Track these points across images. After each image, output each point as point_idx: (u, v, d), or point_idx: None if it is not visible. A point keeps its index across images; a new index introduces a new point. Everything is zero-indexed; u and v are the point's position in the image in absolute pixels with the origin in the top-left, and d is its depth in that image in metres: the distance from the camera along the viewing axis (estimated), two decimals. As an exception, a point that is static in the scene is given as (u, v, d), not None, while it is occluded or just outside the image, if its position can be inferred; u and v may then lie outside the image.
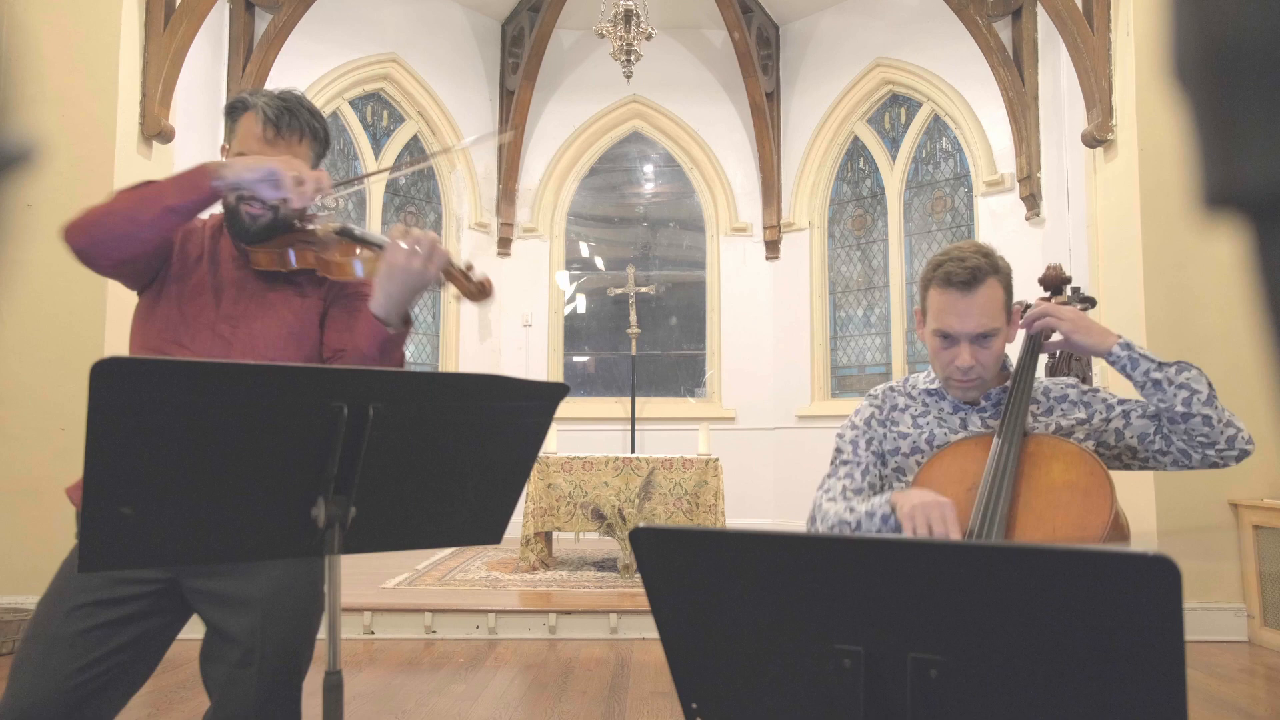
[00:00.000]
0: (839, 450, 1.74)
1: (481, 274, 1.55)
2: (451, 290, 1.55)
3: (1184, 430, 1.53)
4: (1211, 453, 1.53)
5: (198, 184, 1.44)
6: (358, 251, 1.53)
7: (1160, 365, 1.55)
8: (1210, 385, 1.53)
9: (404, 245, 1.41)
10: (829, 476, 1.71)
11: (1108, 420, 1.63)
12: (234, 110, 1.58)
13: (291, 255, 1.52)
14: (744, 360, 7.47)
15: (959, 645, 0.77)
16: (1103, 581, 0.71)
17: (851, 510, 1.57)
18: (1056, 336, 1.65)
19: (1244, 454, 1.54)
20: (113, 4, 4.18)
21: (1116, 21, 4.41)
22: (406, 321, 1.50)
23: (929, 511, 1.41)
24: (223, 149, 1.61)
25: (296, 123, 1.56)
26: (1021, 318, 1.73)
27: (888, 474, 1.71)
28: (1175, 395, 1.52)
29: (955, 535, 1.40)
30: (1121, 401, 1.64)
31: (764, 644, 0.87)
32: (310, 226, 1.58)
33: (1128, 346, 1.57)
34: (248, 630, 1.41)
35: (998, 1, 5.90)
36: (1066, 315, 1.62)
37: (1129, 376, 1.56)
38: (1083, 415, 1.64)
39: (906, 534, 1.43)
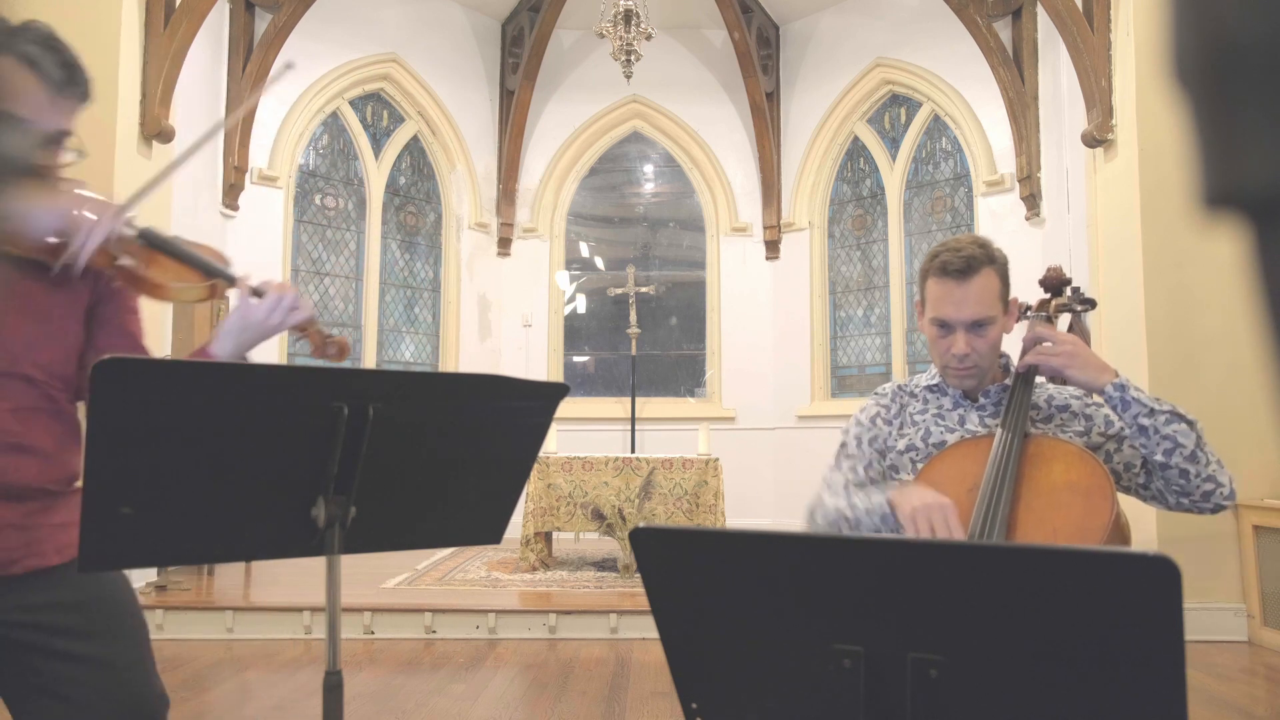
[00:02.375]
0: (843, 444, 1.75)
1: (336, 339, 1.42)
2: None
3: (1161, 476, 1.53)
4: (1185, 501, 1.53)
5: None
6: (174, 268, 1.34)
7: (1152, 411, 1.51)
8: (1199, 440, 1.50)
9: (266, 303, 1.32)
10: (832, 469, 1.73)
11: (1105, 437, 1.63)
12: None
13: (53, 246, 1.25)
14: (744, 360, 7.48)
15: (959, 645, 0.77)
16: (1103, 582, 0.71)
17: (852, 506, 1.57)
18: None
19: (1219, 508, 1.53)
20: (113, 4, 4.18)
21: (1116, 21, 4.41)
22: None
23: (931, 513, 1.41)
24: None
25: (81, 86, 1.29)
26: (1023, 316, 1.73)
27: (887, 469, 1.72)
28: (1158, 445, 1.50)
29: (959, 537, 1.40)
30: (1132, 390, 1.62)
31: (764, 644, 0.87)
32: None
33: (1121, 387, 1.53)
34: (92, 689, 1.31)
35: (998, 1, 5.90)
36: (1063, 349, 1.57)
37: (1119, 416, 1.54)
38: (1081, 428, 1.64)
39: (908, 535, 1.43)
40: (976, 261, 1.58)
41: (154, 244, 1.35)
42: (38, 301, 1.33)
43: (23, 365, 1.30)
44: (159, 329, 4.52)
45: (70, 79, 1.28)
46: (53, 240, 1.25)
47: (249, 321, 1.34)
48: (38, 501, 1.33)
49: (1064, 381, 1.61)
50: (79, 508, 1.38)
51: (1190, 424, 1.51)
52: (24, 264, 1.29)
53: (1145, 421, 1.51)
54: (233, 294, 1.42)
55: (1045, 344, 1.60)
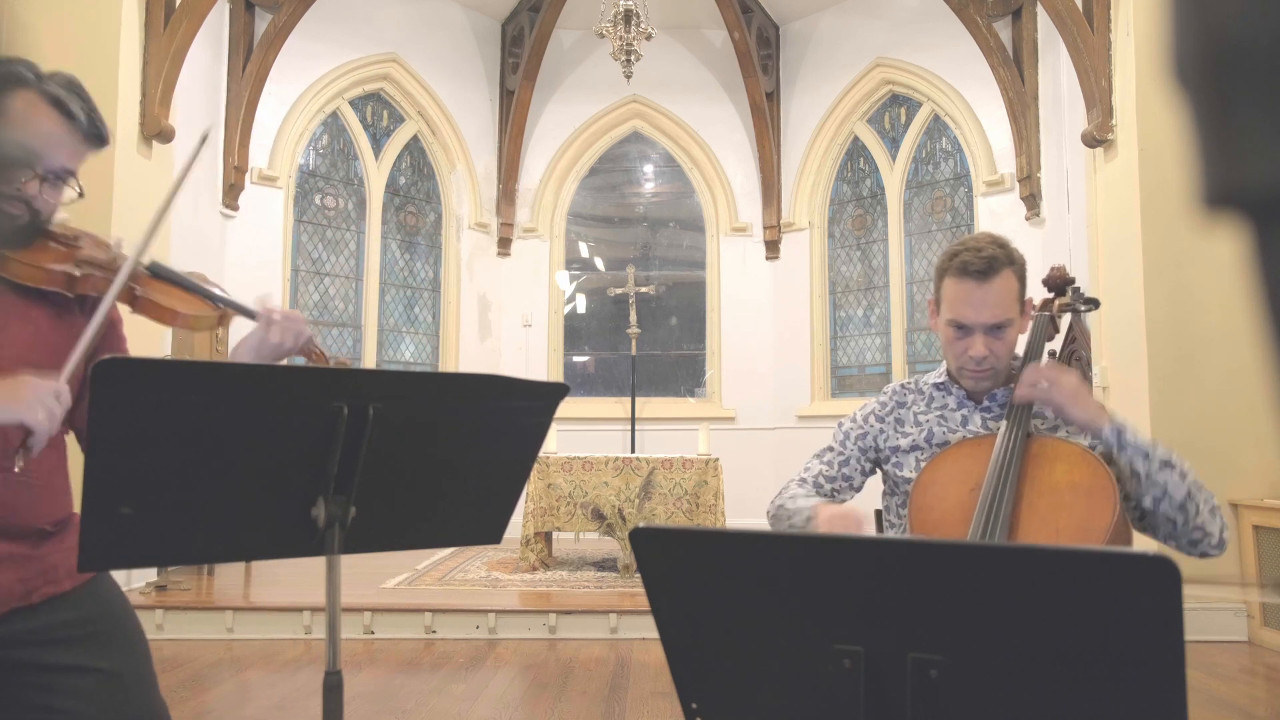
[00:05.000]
0: (833, 436, 1.80)
1: (336, 358, 1.55)
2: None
3: (1151, 519, 1.52)
4: (1172, 543, 1.52)
5: None
6: (185, 298, 1.45)
7: (1146, 457, 1.49)
8: (1189, 492, 1.47)
9: (278, 324, 1.45)
10: (815, 458, 1.78)
11: (1109, 456, 1.61)
12: (5, 82, 1.30)
13: (74, 278, 1.33)
14: (744, 360, 7.48)
15: (959, 645, 0.77)
16: (1103, 582, 0.71)
17: (793, 498, 1.66)
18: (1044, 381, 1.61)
19: (1205, 556, 1.51)
20: (113, 4, 4.18)
21: (1116, 21, 4.41)
22: None
23: (846, 524, 1.47)
24: None
25: (98, 131, 1.38)
26: (1032, 314, 1.73)
27: (888, 469, 1.72)
28: (1147, 490, 1.49)
29: None
30: (1129, 434, 1.60)
31: (764, 644, 0.87)
32: (82, 248, 1.37)
33: (1118, 431, 1.51)
34: (104, 702, 1.32)
35: (998, 1, 5.90)
36: (1066, 386, 1.54)
37: (1114, 462, 1.52)
38: (1086, 442, 1.63)
39: None
40: (998, 262, 1.56)
41: (162, 276, 1.46)
42: (46, 336, 1.36)
43: None
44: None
45: (90, 123, 1.36)
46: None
47: (264, 343, 1.44)
48: (49, 534, 1.36)
49: (1063, 419, 1.58)
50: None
51: (1182, 474, 1.49)
52: (33, 294, 1.34)
53: (1139, 466, 1.50)
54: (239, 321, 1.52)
55: (1043, 383, 1.55)
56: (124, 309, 1.45)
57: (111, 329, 1.49)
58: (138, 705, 1.37)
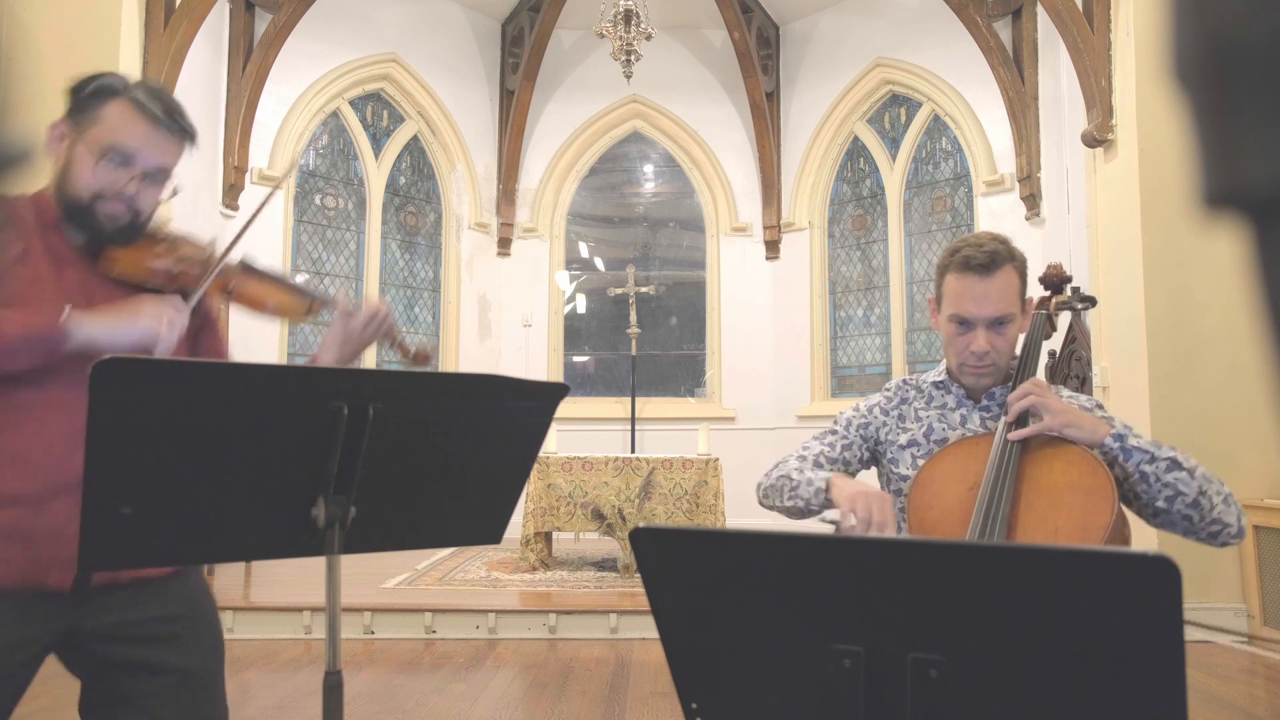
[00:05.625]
0: (834, 422, 1.79)
1: (419, 346, 1.65)
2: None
3: (1166, 520, 1.51)
4: (1191, 538, 1.51)
5: (49, 349, 1.27)
6: (273, 290, 1.55)
7: (1153, 458, 1.49)
8: (1200, 489, 1.47)
9: (363, 316, 1.53)
10: (815, 439, 1.77)
11: (1113, 462, 1.60)
12: (100, 94, 1.40)
13: (174, 274, 1.44)
14: (744, 360, 7.48)
15: (959, 645, 0.77)
16: (1103, 582, 0.71)
17: (800, 471, 1.64)
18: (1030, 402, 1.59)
19: (1226, 545, 1.51)
20: (113, 4, 4.18)
21: (1116, 21, 4.41)
22: None
23: (870, 500, 1.46)
24: (59, 129, 1.40)
25: (181, 122, 1.47)
26: (1034, 309, 1.73)
27: (884, 464, 1.73)
28: (1159, 492, 1.48)
29: (891, 529, 1.43)
30: (1131, 438, 1.59)
31: (764, 644, 0.87)
32: (182, 248, 1.48)
33: (1119, 438, 1.51)
34: (173, 694, 1.38)
35: (998, 1, 5.90)
36: (1055, 409, 1.52)
37: (1121, 467, 1.51)
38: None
39: (842, 514, 1.48)
40: (999, 257, 1.58)
41: (251, 271, 1.57)
42: None
43: None
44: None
45: (174, 122, 1.45)
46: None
47: (349, 333, 1.53)
48: None
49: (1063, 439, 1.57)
50: None
51: (1190, 471, 1.48)
52: (122, 284, 1.43)
53: (1147, 469, 1.49)
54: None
55: (1032, 400, 1.53)
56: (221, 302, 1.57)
57: (210, 326, 1.59)
58: (208, 706, 1.43)
